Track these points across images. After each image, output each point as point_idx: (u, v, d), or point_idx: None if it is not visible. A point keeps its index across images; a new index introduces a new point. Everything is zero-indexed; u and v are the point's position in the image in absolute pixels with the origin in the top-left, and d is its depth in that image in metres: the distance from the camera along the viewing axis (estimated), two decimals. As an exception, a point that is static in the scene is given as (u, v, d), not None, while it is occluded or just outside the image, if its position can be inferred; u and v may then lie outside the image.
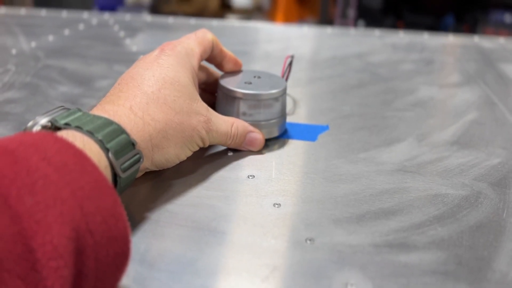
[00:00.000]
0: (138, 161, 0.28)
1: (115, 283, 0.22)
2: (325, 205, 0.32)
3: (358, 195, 0.33)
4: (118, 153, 0.26)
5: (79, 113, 0.27)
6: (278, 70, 0.45)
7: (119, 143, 0.26)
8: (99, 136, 0.25)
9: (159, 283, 0.24)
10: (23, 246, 0.17)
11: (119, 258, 0.21)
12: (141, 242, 0.27)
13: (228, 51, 0.40)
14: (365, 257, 0.27)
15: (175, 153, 0.32)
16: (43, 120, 0.26)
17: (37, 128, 0.25)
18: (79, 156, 0.22)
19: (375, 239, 0.28)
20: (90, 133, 0.25)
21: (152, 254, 0.26)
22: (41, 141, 0.21)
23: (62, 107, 0.28)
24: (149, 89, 0.31)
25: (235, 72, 0.41)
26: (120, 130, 0.27)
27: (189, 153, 0.34)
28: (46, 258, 0.17)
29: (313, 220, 0.30)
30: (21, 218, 0.17)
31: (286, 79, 0.43)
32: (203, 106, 0.34)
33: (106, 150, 0.25)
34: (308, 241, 0.28)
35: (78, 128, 0.25)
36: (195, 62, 0.35)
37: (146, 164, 0.30)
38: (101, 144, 0.25)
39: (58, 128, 0.26)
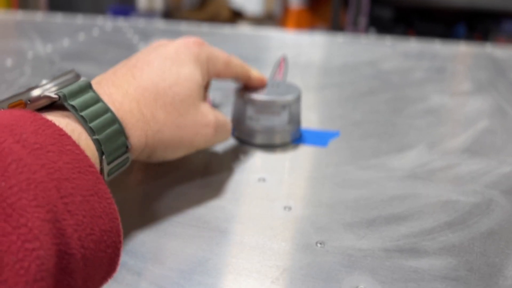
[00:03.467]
0: (125, 164, 0.27)
1: (108, 260, 0.22)
2: (335, 210, 0.32)
3: (368, 200, 0.33)
4: (110, 156, 0.26)
5: (88, 95, 0.26)
6: (289, 76, 0.45)
7: (115, 146, 0.26)
8: (100, 136, 0.25)
9: (170, 281, 0.24)
10: None
11: (107, 235, 0.21)
12: (153, 241, 0.28)
13: (255, 74, 0.39)
14: (376, 262, 0.27)
15: (175, 153, 0.31)
16: (51, 93, 0.25)
17: (42, 101, 0.25)
18: (58, 135, 0.21)
19: (385, 243, 0.28)
20: (92, 131, 0.25)
21: (163, 253, 0.27)
22: (17, 122, 0.21)
23: (74, 74, 0.26)
24: (161, 83, 0.30)
25: None
26: (121, 132, 0.27)
27: (193, 151, 0.33)
28: (21, 240, 0.17)
29: (323, 224, 0.30)
30: None
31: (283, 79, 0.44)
32: (208, 109, 0.33)
33: (101, 154, 0.25)
34: (319, 245, 0.28)
35: (81, 118, 0.25)
36: (212, 69, 0.34)
37: (142, 158, 0.30)
38: (98, 144, 0.25)
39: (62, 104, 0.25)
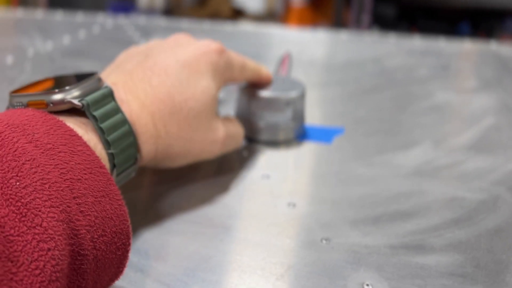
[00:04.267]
0: (130, 175, 0.27)
1: (117, 262, 0.22)
2: (340, 207, 0.31)
3: (373, 197, 0.33)
4: (120, 167, 0.26)
5: (110, 105, 0.26)
6: (292, 73, 0.45)
7: (126, 158, 0.26)
8: (114, 150, 0.25)
9: (174, 278, 0.24)
10: (11, 229, 0.17)
11: (118, 236, 0.21)
12: (156, 238, 0.27)
13: (265, 72, 0.38)
14: (381, 258, 0.26)
15: (180, 163, 0.31)
16: (74, 100, 0.24)
17: (64, 105, 0.24)
18: (69, 136, 0.21)
19: (391, 240, 0.28)
20: (108, 145, 0.25)
21: (167, 250, 0.26)
22: (29, 122, 0.21)
23: (97, 78, 0.26)
24: (178, 96, 0.30)
25: None
26: (134, 145, 0.27)
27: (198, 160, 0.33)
28: (36, 240, 0.17)
29: (328, 221, 0.30)
30: (8, 202, 0.17)
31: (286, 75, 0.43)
32: (219, 124, 0.33)
33: (113, 166, 0.25)
34: (324, 241, 0.28)
35: (100, 130, 0.25)
36: (228, 76, 0.34)
37: (147, 166, 0.30)
38: (111, 157, 0.25)
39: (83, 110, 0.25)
